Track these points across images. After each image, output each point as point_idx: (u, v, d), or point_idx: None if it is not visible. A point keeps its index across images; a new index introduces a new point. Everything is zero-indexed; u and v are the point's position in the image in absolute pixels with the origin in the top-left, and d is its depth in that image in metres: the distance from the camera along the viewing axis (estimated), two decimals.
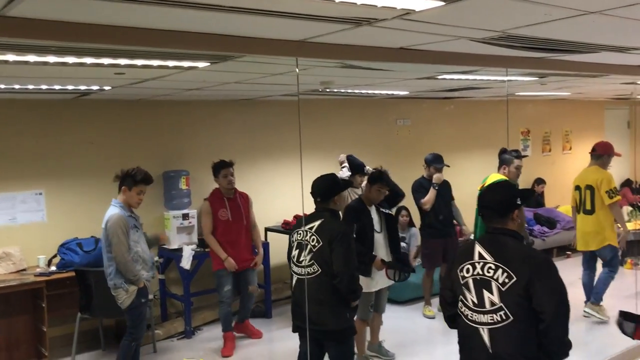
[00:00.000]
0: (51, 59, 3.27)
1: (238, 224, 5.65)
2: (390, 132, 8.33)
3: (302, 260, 3.78)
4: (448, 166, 6.36)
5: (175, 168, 6.41)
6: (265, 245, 6.42)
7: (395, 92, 7.01)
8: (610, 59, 4.66)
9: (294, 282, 3.93)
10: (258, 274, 6.85)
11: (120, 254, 4.49)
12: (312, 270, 3.73)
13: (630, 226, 7.91)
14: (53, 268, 5.51)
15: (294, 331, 3.98)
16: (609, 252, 6.03)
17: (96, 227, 5.51)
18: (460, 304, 2.77)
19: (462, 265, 2.76)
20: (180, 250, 6.05)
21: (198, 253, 6.07)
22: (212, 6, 2.36)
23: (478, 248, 2.73)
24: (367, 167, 5.73)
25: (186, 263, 5.90)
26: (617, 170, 6.25)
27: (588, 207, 6.07)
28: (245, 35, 3.04)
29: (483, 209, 2.82)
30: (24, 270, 5.49)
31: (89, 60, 3.37)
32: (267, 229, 6.84)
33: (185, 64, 3.71)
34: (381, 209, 4.96)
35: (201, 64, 3.76)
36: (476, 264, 2.70)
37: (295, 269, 3.87)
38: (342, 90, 6.35)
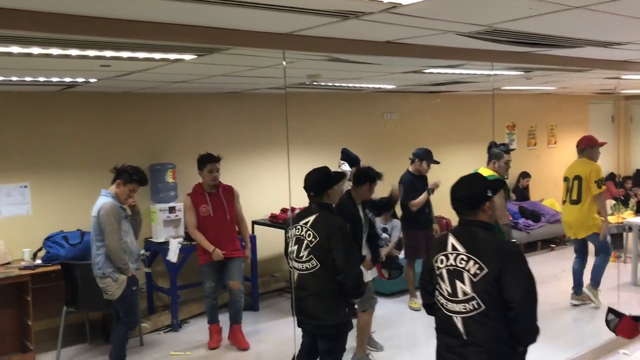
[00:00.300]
0: (35, 50, 3.24)
1: (220, 220, 5.48)
2: (377, 125, 8.35)
3: (302, 256, 3.79)
4: (438, 162, 6.41)
5: (161, 161, 6.39)
6: (252, 239, 6.43)
7: (382, 86, 7.02)
8: (594, 54, 4.71)
9: (295, 277, 3.91)
10: (245, 267, 6.86)
11: (114, 242, 4.55)
12: (311, 265, 3.74)
13: (612, 219, 8.02)
14: (38, 261, 5.47)
15: (299, 326, 3.99)
16: (597, 239, 6.14)
17: (82, 220, 5.50)
18: (436, 293, 2.87)
19: (436, 256, 2.85)
20: (166, 243, 6.04)
21: (185, 246, 6.06)
22: None
23: (451, 239, 2.82)
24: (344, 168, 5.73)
25: (173, 256, 5.89)
26: (601, 164, 6.31)
27: (575, 197, 6.16)
28: (232, 28, 3.04)
29: (454, 202, 2.89)
30: (9, 263, 5.45)
31: (74, 52, 3.34)
32: (254, 222, 6.85)
33: (172, 56, 3.70)
34: (366, 210, 4.94)
35: (188, 57, 3.75)
36: (449, 255, 2.79)
37: (295, 264, 3.86)
38: (329, 84, 6.36)
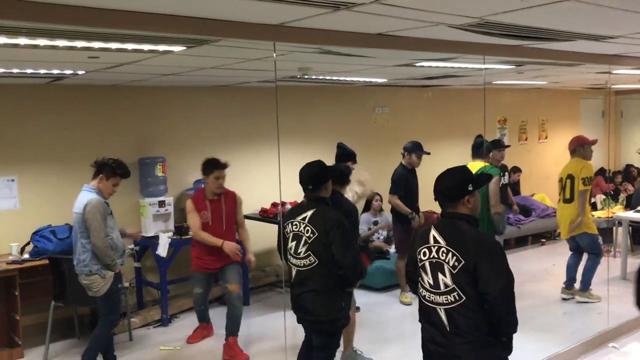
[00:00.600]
0: (22, 41, 3.20)
1: (218, 228, 5.18)
2: (369, 119, 8.34)
3: (300, 252, 3.74)
4: (428, 153, 6.39)
5: (151, 155, 6.34)
6: None
7: (373, 80, 7.01)
8: (585, 48, 4.71)
9: (293, 274, 3.86)
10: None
11: (100, 239, 4.46)
12: (309, 261, 3.71)
13: (602, 214, 8.08)
14: (26, 256, 5.43)
15: (298, 322, 3.97)
16: (587, 239, 6.16)
17: (70, 214, 5.42)
18: (419, 284, 2.91)
19: (419, 249, 2.89)
20: (156, 237, 6.00)
21: (174, 241, 6.03)
22: None
23: (433, 232, 2.85)
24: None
25: (162, 251, 5.86)
26: (592, 159, 6.35)
27: (567, 195, 6.19)
28: (222, 19, 3.01)
29: (436, 194, 2.91)
30: None
31: (61, 43, 3.30)
32: (244, 217, 6.80)
33: (161, 47, 3.65)
34: None
35: (177, 48, 3.71)
36: (432, 247, 2.83)
37: (293, 260, 3.81)
38: (320, 77, 6.33)
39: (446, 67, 5.59)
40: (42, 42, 3.25)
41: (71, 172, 5.82)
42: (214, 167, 5.12)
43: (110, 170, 4.58)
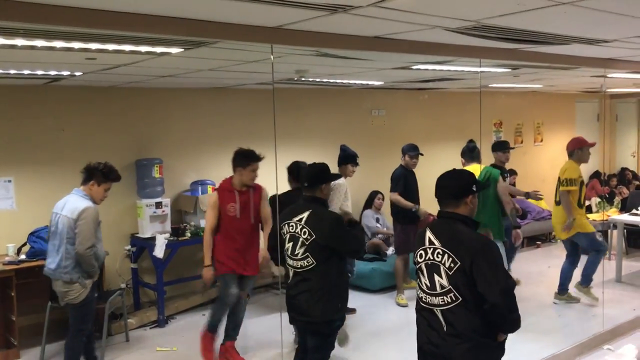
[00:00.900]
0: (19, 42, 3.20)
1: (245, 222, 4.91)
2: (365, 122, 8.36)
3: (297, 253, 3.74)
4: (421, 154, 6.51)
5: (148, 156, 6.34)
6: None
7: (370, 82, 7.03)
8: (581, 51, 4.74)
9: (290, 275, 3.83)
10: None
11: (86, 249, 4.34)
12: (307, 262, 3.70)
13: (598, 217, 8.11)
14: (22, 257, 5.42)
15: (290, 322, 3.97)
16: (583, 238, 6.16)
17: None
18: (417, 286, 2.92)
19: (417, 251, 2.91)
20: (153, 239, 6.01)
21: (171, 242, 6.03)
22: None
23: (428, 234, 2.87)
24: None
25: (159, 252, 5.86)
26: (586, 163, 6.37)
27: (557, 198, 6.21)
28: (219, 21, 3.02)
29: (440, 189, 2.91)
30: None
31: (59, 44, 3.30)
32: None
33: (158, 49, 3.66)
34: None
35: (174, 50, 3.72)
36: (428, 249, 2.84)
37: (290, 262, 3.80)
38: (317, 80, 6.35)
39: (442, 70, 5.61)
40: (39, 43, 3.26)
41: (68, 173, 5.79)
42: (252, 159, 4.84)
43: (101, 175, 4.49)
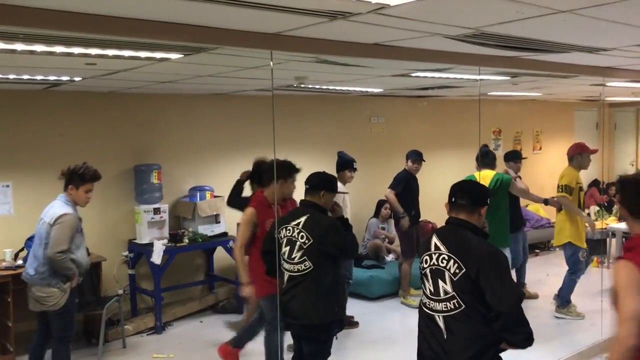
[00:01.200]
0: (19, 46, 3.20)
1: None
2: (364, 129, 8.36)
3: (294, 257, 3.73)
4: (424, 160, 6.65)
5: (147, 162, 6.33)
6: None
7: (369, 90, 7.04)
8: (580, 60, 4.75)
9: (285, 279, 3.82)
10: (231, 268, 6.83)
11: (60, 254, 4.24)
12: (304, 267, 3.69)
13: (596, 225, 8.07)
14: (20, 262, 5.39)
15: (286, 329, 3.96)
16: (568, 250, 6.08)
17: None
18: (422, 292, 2.93)
19: (422, 257, 2.91)
20: (151, 245, 5.99)
21: (169, 248, 6.02)
22: None
23: (434, 239, 2.87)
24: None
25: (157, 258, 5.85)
26: (585, 171, 6.36)
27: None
28: (219, 27, 3.02)
29: (460, 193, 2.89)
30: None
31: (58, 49, 3.30)
32: (239, 224, 6.79)
33: (158, 55, 3.66)
34: None
35: (174, 56, 3.72)
36: (433, 254, 2.84)
37: (286, 266, 3.79)
38: (317, 87, 6.36)
39: (442, 78, 5.62)
40: (39, 48, 3.25)
41: None
42: (294, 170, 4.57)
43: (78, 178, 4.40)
